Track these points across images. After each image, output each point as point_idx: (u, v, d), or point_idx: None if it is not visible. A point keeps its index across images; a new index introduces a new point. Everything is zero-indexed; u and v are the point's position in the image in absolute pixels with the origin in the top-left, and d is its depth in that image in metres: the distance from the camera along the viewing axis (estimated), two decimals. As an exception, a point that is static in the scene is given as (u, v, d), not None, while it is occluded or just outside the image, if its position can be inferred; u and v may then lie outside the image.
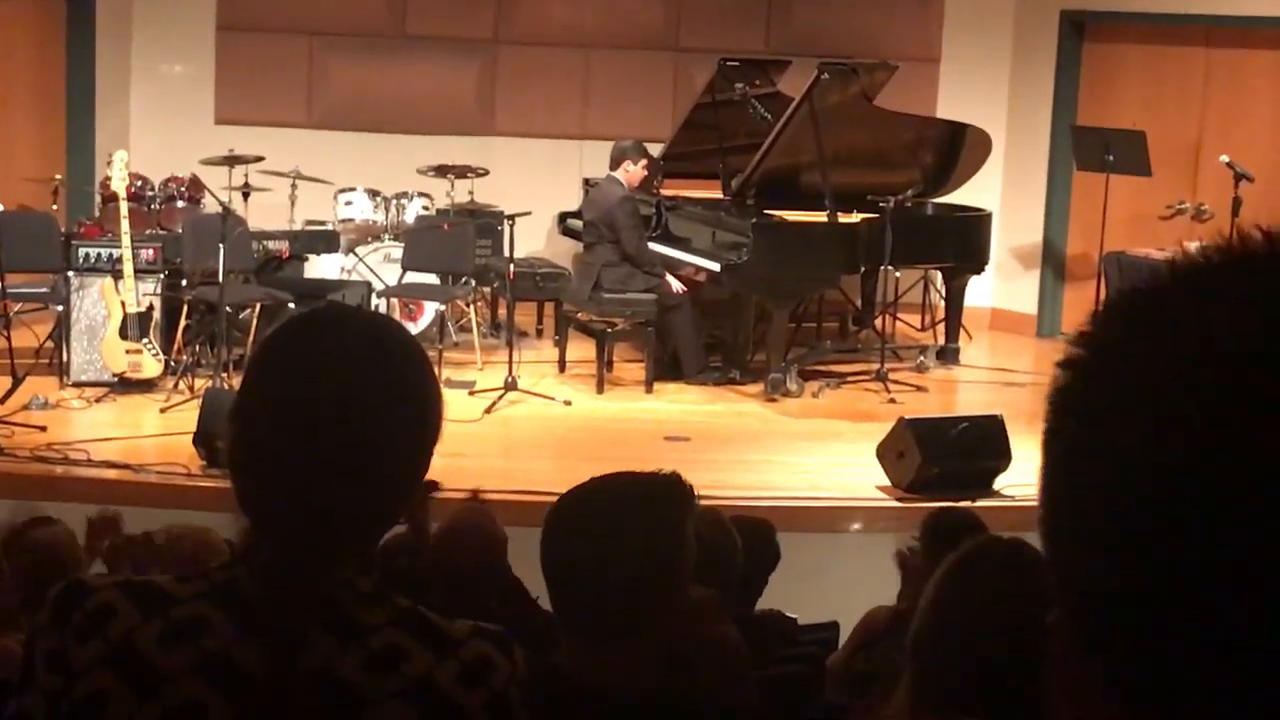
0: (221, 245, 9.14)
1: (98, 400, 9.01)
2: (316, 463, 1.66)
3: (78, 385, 9.15)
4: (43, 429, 8.15)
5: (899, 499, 7.69)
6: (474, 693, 1.68)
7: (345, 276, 10.79)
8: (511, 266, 9.77)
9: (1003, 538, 2.62)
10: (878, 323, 11.27)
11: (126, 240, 9.03)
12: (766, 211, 10.23)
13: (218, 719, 1.61)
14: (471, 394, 9.52)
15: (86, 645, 1.63)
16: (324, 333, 1.77)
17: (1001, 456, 7.87)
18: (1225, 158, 9.30)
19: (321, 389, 1.68)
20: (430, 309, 10.67)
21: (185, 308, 9.66)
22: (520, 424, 9.12)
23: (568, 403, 9.49)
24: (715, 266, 9.87)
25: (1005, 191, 12.46)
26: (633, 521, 2.40)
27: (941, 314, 11.38)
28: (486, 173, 11.64)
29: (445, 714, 1.65)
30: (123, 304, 9.07)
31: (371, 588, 1.69)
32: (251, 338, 9.65)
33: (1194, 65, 11.76)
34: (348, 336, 1.75)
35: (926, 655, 2.39)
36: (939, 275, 11.46)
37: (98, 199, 10.68)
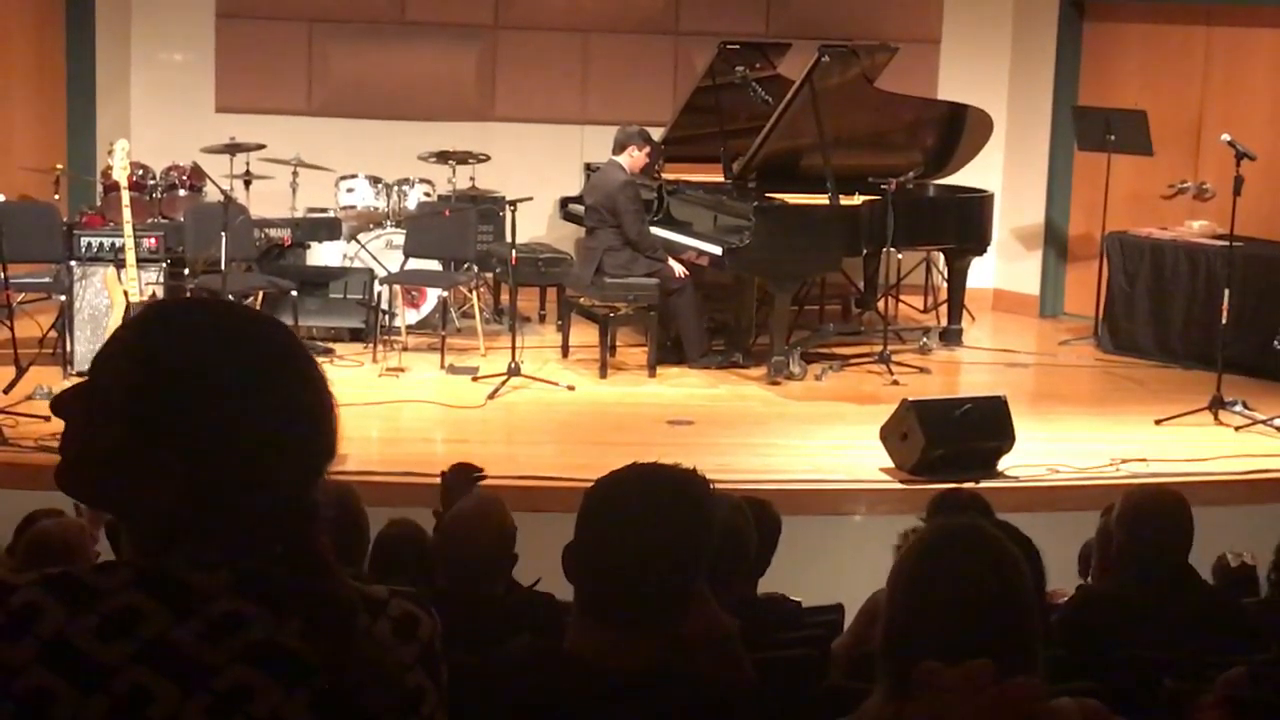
0: (223, 233, 9.15)
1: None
2: (176, 449, 1.67)
3: (81, 375, 9.13)
4: (47, 419, 8.13)
5: (902, 481, 7.69)
6: (407, 646, 1.74)
7: (347, 264, 10.80)
8: (513, 252, 9.77)
9: (958, 521, 2.65)
10: (880, 305, 11.27)
11: (129, 229, 9.02)
12: (768, 195, 10.22)
13: (165, 703, 1.62)
14: (475, 380, 9.53)
15: (18, 644, 1.62)
16: (165, 323, 1.79)
17: (1005, 437, 7.88)
18: (1227, 136, 9.27)
19: (164, 376, 1.70)
20: (433, 295, 10.67)
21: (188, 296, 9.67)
22: (523, 409, 9.13)
23: (571, 388, 9.49)
24: (717, 250, 9.86)
25: (1007, 172, 12.45)
26: (670, 513, 2.43)
27: (944, 295, 11.38)
28: (487, 158, 11.64)
29: (389, 668, 1.70)
30: (125, 293, 9.06)
31: (289, 567, 1.70)
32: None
33: (1195, 44, 11.75)
34: (189, 323, 1.77)
35: (897, 643, 2.40)
36: (941, 257, 11.46)
37: (99, 188, 10.68)
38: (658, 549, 2.39)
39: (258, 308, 9.56)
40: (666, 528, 2.41)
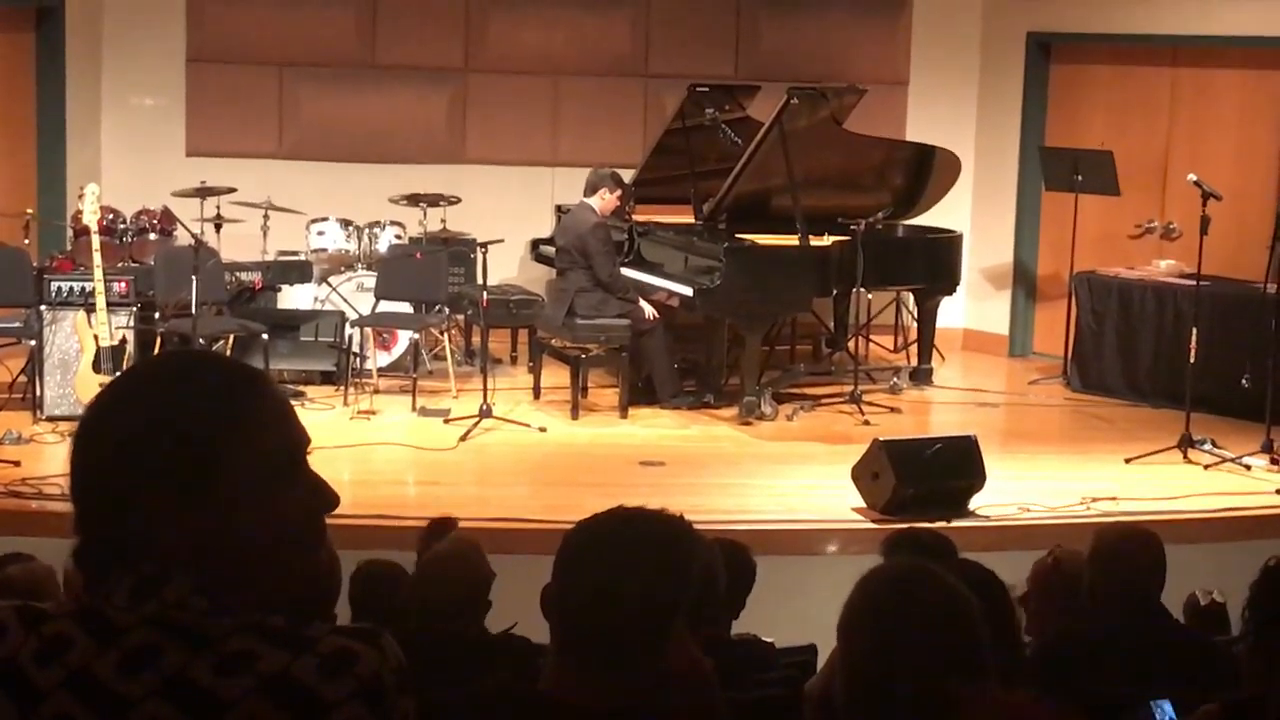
0: (194, 277, 9.14)
1: (71, 434, 8.95)
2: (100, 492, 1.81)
3: (51, 420, 9.12)
4: (16, 464, 8.12)
5: (874, 520, 7.70)
6: (337, 683, 1.67)
7: (318, 307, 10.79)
8: (485, 294, 9.78)
9: (900, 563, 2.67)
10: (851, 345, 11.29)
11: (99, 274, 9.01)
12: (738, 235, 10.26)
13: None
14: (446, 422, 9.52)
15: None
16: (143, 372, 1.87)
17: (976, 476, 7.90)
18: (1193, 176, 9.33)
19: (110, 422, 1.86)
20: (404, 337, 10.67)
21: (158, 340, 9.64)
22: (495, 451, 9.12)
23: (543, 429, 9.48)
24: (688, 291, 9.88)
25: (975, 212, 12.51)
26: (653, 557, 2.43)
27: (914, 335, 11.41)
28: (458, 200, 11.65)
29: (308, 705, 1.66)
30: (95, 338, 9.04)
31: (207, 605, 1.71)
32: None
33: (1160, 85, 11.84)
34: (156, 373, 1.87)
35: (860, 689, 2.42)
36: (911, 297, 11.50)
37: (69, 233, 10.65)
38: (640, 592, 2.39)
39: (229, 351, 9.55)
40: (649, 571, 2.41)
